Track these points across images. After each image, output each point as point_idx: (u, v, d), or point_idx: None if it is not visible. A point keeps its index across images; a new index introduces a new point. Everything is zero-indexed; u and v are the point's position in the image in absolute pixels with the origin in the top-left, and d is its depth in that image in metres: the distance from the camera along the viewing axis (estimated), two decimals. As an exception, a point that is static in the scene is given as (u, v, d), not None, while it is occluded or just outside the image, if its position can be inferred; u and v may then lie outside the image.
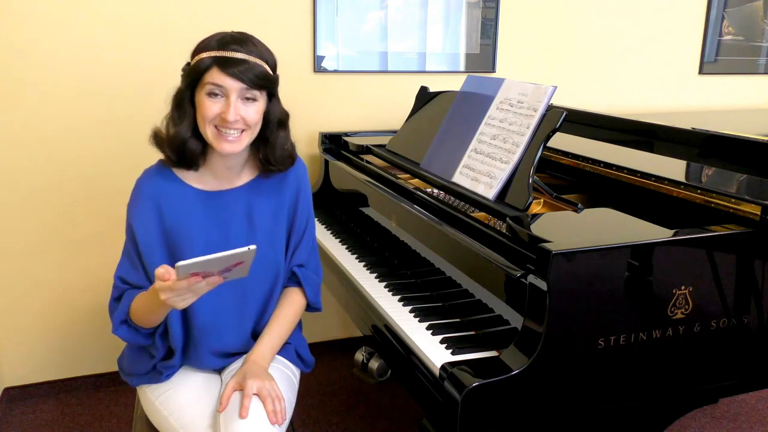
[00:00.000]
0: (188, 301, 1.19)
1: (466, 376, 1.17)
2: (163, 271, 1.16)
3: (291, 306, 1.50)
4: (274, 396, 1.32)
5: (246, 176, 1.46)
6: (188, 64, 1.35)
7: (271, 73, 1.35)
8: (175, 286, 1.14)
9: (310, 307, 1.57)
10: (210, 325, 1.42)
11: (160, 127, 1.39)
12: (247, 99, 1.32)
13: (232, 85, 1.29)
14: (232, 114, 1.29)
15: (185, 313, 1.40)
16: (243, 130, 1.33)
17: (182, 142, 1.35)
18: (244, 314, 1.45)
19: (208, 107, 1.30)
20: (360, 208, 2.16)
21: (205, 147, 1.39)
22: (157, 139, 1.39)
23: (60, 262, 2.38)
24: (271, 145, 1.41)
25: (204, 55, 1.30)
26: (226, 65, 1.28)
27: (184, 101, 1.35)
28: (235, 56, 1.29)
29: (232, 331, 1.45)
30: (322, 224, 2.26)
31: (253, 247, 1.13)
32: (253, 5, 2.39)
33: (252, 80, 1.30)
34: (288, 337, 1.51)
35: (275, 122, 1.40)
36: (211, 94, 1.30)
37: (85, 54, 2.23)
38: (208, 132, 1.33)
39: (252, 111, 1.33)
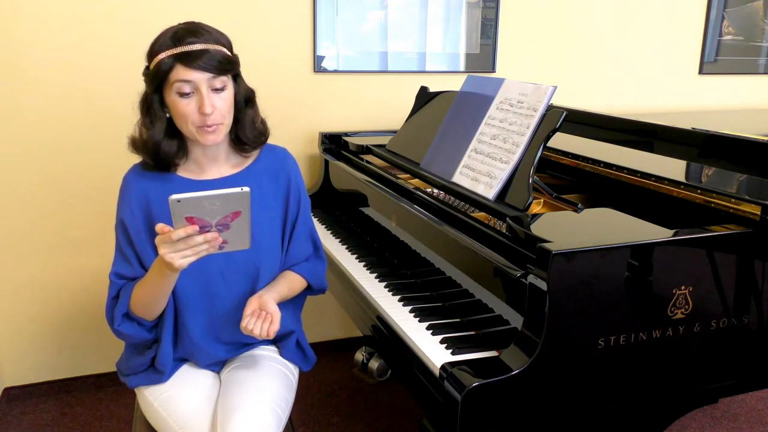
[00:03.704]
0: (187, 260, 1.18)
1: (466, 376, 1.17)
2: (162, 225, 1.17)
3: (294, 274, 1.51)
4: (264, 317, 1.34)
5: (233, 167, 1.47)
6: (147, 68, 1.34)
7: (230, 55, 1.36)
8: (173, 236, 1.14)
9: (316, 291, 1.57)
10: (199, 307, 1.41)
11: (134, 133, 1.39)
12: (217, 90, 1.31)
13: (200, 77, 1.28)
14: (208, 106, 1.29)
15: (174, 296, 1.39)
16: (220, 123, 1.33)
17: (156, 145, 1.35)
18: (236, 298, 1.44)
19: (184, 107, 1.30)
20: (360, 208, 2.16)
21: (181, 144, 1.39)
22: (135, 145, 1.39)
23: (60, 262, 2.38)
24: (241, 124, 1.41)
25: (162, 55, 1.29)
26: (188, 59, 1.27)
27: (154, 105, 1.35)
28: (194, 48, 1.28)
29: (225, 310, 1.44)
30: (322, 224, 2.26)
31: (246, 189, 1.13)
32: (253, 5, 2.39)
33: (217, 67, 1.30)
34: (292, 294, 1.50)
35: (242, 101, 1.41)
36: (182, 94, 1.29)
37: (84, 52, 2.23)
38: (191, 130, 1.33)
39: (224, 100, 1.33)
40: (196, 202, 1.11)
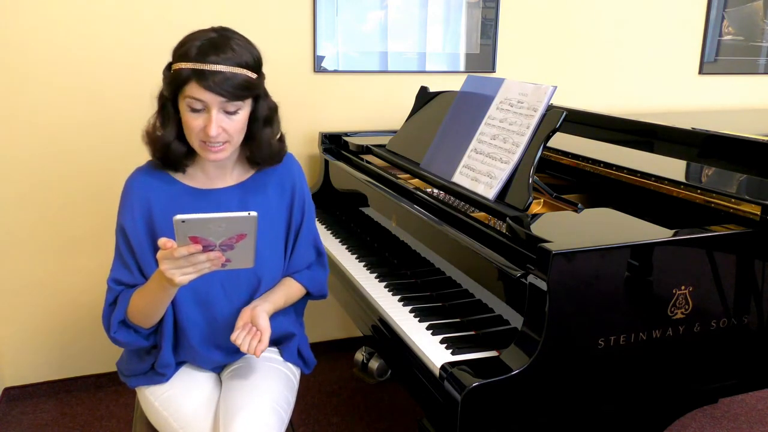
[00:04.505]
0: (188, 276, 1.18)
1: (466, 376, 1.17)
2: (165, 239, 1.15)
3: (293, 282, 1.51)
4: (254, 333, 1.34)
5: (239, 176, 1.45)
6: (169, 66, 1.32)
7: (253, 77, 1.31)
8: (175, 253, 1.13)
9: (315, 297, 1.57)
10: (199, 316, 1.41)
11: (148, 126, 1.37)
12: (229, 112, 1.29)
13: (212, 99, 1.26)
14: (214, 129, 1.26)
15: (174, 305, 1.38)
16: (226, 141, 1.31)
17: (165, 146, 1.34)
18: (236, 307, 1.42)
19: (192, 121, 1.28)
20: (360, 208, 2.16)
21: (190, 149, 1.37)
22: (147, 139, 1.38)
23: (60, 262, 2.38)
24: (256, 142, 1.39)
25: (183, 65, 1.26)
26: (205, 79, 1.23)
27: (167, 106, 1.33)
28: (213, 68, 1.24)
29: (224, 318, 1.42)
30: (322, 224, 2.26)
31: (253, 213, 1.11)
32: (253, 5, 2.39)
33: (232, 93, 1.26)
34: (289, 303, 1.49)
35: (261, 120, 1.38)
36: (193, 109, 1.27)
37: (83, 52, 2.23)
38: (195, 143, 1.32)
39: (234, 122, 1.30)
40: (201, 224, 1.09)
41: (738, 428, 2.32)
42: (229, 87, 1.25)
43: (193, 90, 1.25)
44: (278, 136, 1.44)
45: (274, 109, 1.41)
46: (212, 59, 1.25)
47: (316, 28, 2.48)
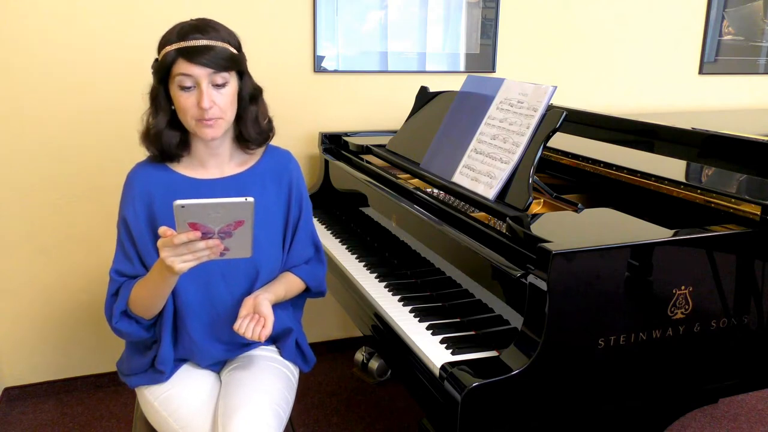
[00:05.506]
0: (187, 264, 1.20)
1: (466, 376, 1.17)
2: (165, 228, 1.18)
3: (293, 276, 1.52)
4: (257, 319, 1.35)
5: (236, 166, 1.48)
6: (156, 60, 1.37)
7: (236, 52, 1.37)
8: (175, 240, 1.15)
9: (314, 293, 1.58)
10: (199, 307, 1.42)
11: (143, 124, 1.41)
12: (218, 85, 1.33)
13: (200, 72, 1.30)
14: (206, 101, 1.31)
15: (174, 296, 1.39)
16: (219, 117, 1.35)
17: (157, 134, 1.38)
18: (236, 298, 1.44)
19: (184, 101, 1.32)
20: (360, 208, 2.16)
21: (183, 136, 1.41)
22: (142, 135, 1.42)
23: (60, 262, 2.38)
24: (243, 120, 1.43)
25: (167, 49, 1.32)
26: (191, 54, 1.30)
27: (159, 96, 1.37)
28: (197, 44, 1.30)
29: (225, 310, 1.44)
30: (322, 224, 2.26)
31: (250, 199, 1.13)
32: (253, 5, 2.39)
33: (219, 64, 1.31)
34: (289, 296, 1.51)
35: (247, 98, 1.42)
36: (183, 87, 1.32)
37: (82, 50, 2.23)
38: (191, 123, 1.35)
39: (224, 96, 1.34)
40: (200, 209, 1.12)
41: (738, 428, 2.32)
42: (215, 58, 1.31)
43: (181, 67, 1.30)
44: (266, 120, 1.48)
45: (258, 89, 1.46)
46: (195, 36, 1.31)
47: (316, 28, 2.48)
